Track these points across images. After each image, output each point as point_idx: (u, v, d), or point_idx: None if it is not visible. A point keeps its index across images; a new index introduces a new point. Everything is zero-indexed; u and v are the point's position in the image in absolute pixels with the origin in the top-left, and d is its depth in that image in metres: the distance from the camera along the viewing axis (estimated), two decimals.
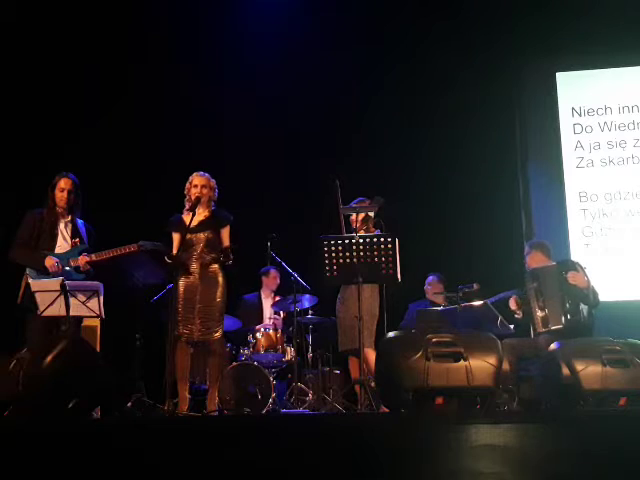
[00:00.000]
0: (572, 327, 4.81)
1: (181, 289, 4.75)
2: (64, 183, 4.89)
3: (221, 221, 4.89)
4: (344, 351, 5.12)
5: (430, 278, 6.45)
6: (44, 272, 4.73)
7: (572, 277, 4.87)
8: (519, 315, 5.12)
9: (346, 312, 4.97)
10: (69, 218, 4.95)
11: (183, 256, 4.72)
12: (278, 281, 6.60)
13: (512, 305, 5.15)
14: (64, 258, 4.82)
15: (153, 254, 4.99)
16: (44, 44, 6.76)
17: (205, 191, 4.85)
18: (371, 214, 5.09)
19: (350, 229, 5.02)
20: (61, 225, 4.91)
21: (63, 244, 4.87)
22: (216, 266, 4.82)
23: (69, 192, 4.89)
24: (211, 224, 4.85)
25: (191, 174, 4.93)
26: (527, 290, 5.06)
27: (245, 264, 6.36)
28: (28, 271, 4.78)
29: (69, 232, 4.92)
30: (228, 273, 4.88)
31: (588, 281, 4.92)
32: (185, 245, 4.73)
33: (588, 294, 4.89)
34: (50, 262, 4.75)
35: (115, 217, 6.13)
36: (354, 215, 5.04)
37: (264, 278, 6.65)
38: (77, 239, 4.91)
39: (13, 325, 4.84)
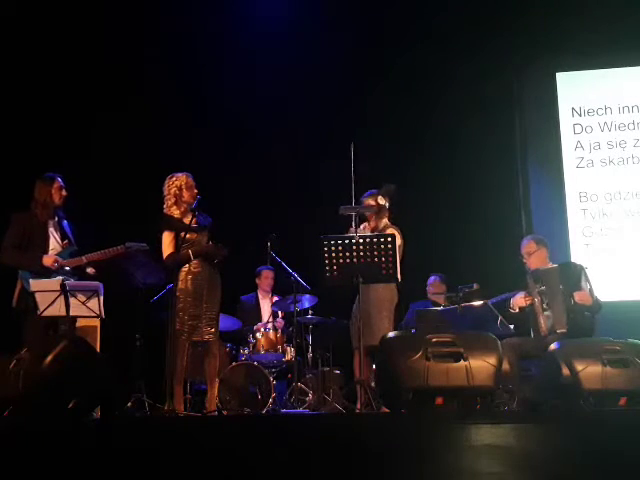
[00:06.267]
0: (576, 329, 4.78)
1: (190, 288, 4.74)
2: (59, 183, 4.88)
3: (207, 223, 4.92)
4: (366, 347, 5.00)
5: (432, 278, 6.42)
6: (38, 273, 4.66)
7: (579, 297, 4.82)
8: (514, 310, 5.03)
9: (372, 309, 4.81)
10: (56, 219, 4.91)
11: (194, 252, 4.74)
12: (271, 281, 6.60)
13: (520, 302, 4.98)
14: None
15: (153, 254, 4.98)
16: (42, 44, 6.75)
17: (196, 192, 4.87)
18: (383, 203, 5.00)
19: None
20: (50, 227, 4.87)
21: (56, 246, 4.85)
22: (216, 267, 4.85)
23: (63, 191, 4.89)
24: (205, 225, 4.89)
25: (186, 174, 4.91)
26: (531, 292, 5.01)
27: (245, 264, 6.39)
28: (21, 273, 4.71)
29: (58, 234, 4.89)
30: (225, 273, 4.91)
31: (591, 290, 4.90)
32: (189, 244, 4.74)
33: (593, 305, 4.88)
34: (49, 260, 4.71)
35: (99, 217, 6.11)
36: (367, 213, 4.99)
37: (257, 279, 6.67)
38: (66, 241, 4.88)
39: (13, 326, 4.83)
